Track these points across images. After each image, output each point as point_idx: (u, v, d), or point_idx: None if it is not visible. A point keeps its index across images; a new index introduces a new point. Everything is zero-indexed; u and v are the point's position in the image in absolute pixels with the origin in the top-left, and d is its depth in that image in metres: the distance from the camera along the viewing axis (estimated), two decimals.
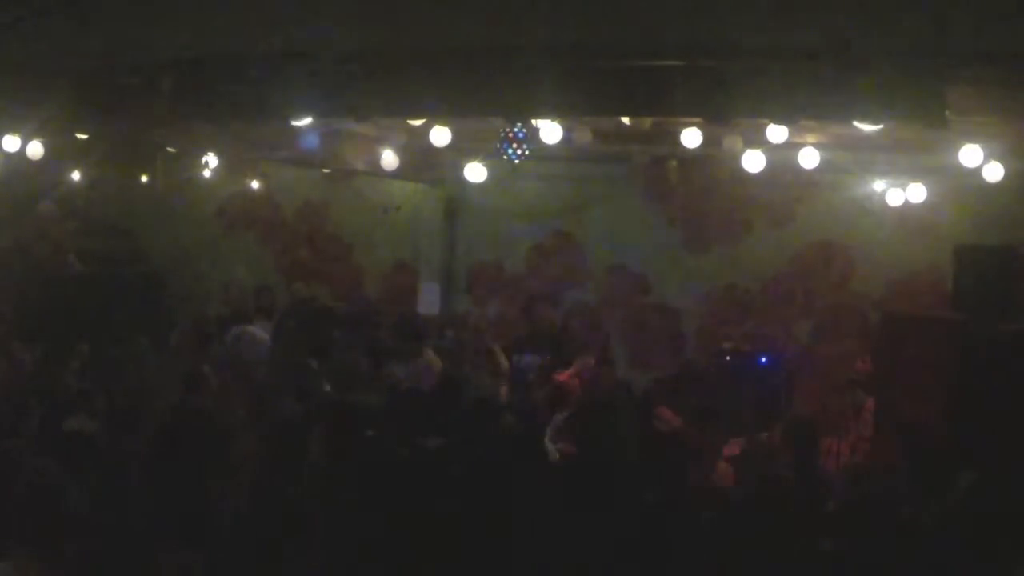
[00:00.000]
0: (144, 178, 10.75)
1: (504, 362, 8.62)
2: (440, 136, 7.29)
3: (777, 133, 6.77)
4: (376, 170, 9.44)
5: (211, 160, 10.46)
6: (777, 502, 4.87)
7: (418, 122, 7.45)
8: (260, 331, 9.25)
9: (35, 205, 11.31)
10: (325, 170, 11.04)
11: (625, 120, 7.21)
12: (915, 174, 9.18)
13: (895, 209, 9.56)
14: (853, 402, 8.43)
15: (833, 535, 4.79)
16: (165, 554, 4.27)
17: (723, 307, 10.84)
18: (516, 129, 7.05)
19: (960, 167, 7.26)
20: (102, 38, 6.27)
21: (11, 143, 7.94)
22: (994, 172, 7.68)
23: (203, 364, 7.51)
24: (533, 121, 6.92)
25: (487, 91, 6.10)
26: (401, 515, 4.88)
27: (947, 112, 5.58)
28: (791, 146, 7.56)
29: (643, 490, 4.98)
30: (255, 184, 11.86)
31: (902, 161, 8.88)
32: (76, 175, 10.94)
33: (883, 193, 9.52)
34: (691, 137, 7.35)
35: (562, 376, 8.02)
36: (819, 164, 8.02)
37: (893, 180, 9.36)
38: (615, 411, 5.93)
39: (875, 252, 10.31)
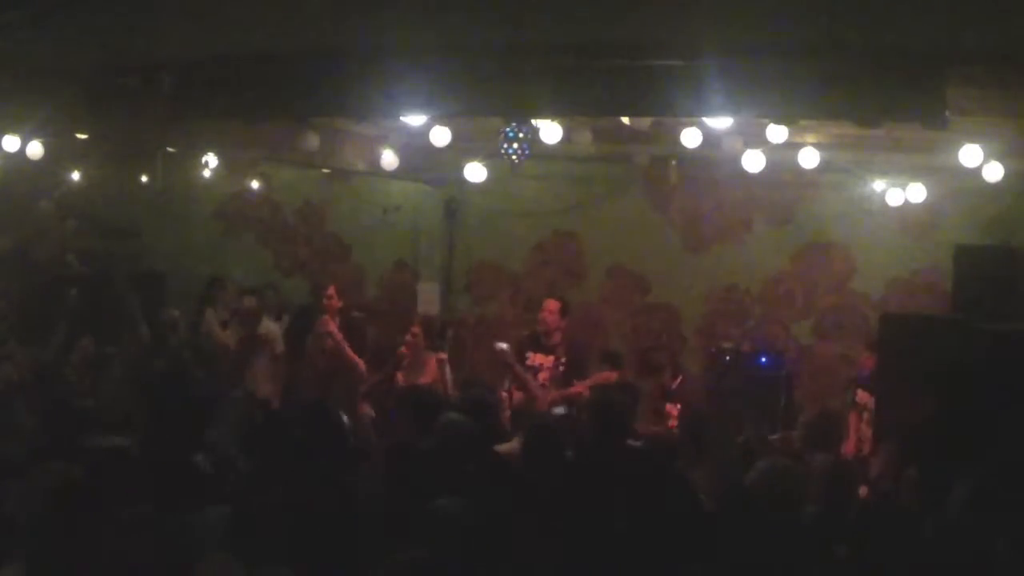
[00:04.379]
0: (144, 178, 10.75)
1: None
2: (440, 136, 7.29)
3: (777, 133, 6.77)
4: (376, 170, 9.44)
5: (211, 160, 10.46)
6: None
7: (418, 122, 7.45)
8: None
9: (35, 205, 11.31)
10: (325, 170, 11.04)
11: (625, 120, 7.20)
12: (915, 174, 9.18)
13: (895, 209, 9.56)
14: (853, 402, 8.44)
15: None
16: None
17: (723, 307, 10.85)
18: (516, 129, 7.04)
19: (960, 167, 7.27)
20: (102, 38, 6.27)
21: (11, 143, 7.94)
22: (994, 172, 7.69)
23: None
24: (533, 121, 6.91)
25: (487, 91, 6.10)
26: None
27: (947, 112, 5.58)
28: (791, 146, 7.56)
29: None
30: (255, 184, 11.87)
31: (902, 161, 8.88)
32: (76, 175, 10.94)
33: (883, 193, 9.52)
34: (691, 137, 7.35)
35: (578, 387, 8.03)
36: (819, 164, 8.02)
37: (893, 180, 9.36)
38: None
39: (875, 252, 10.31)
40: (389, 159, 8.94)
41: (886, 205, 9.56)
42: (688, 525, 4.61)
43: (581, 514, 4.79)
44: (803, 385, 10.12)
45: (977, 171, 7.55)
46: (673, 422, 7.76)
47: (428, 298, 11.38)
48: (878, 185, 9.51)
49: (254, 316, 9.07)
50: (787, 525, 4.72)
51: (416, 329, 8.64)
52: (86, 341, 8.70)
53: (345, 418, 5.83)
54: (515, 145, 7.07)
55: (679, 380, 8.38)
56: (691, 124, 7.28)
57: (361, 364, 8.42)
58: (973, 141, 7.02)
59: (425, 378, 8.37)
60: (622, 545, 4.43)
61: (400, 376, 8.59)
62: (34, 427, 6.29)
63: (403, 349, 8.69)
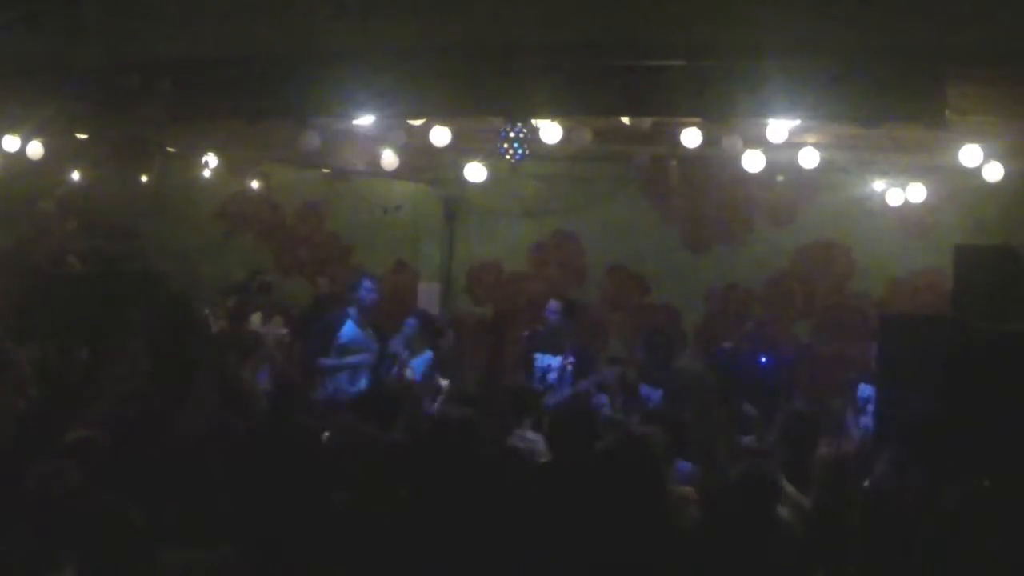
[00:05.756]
0: (144, 178, 10.75)
1: None
2: (440, 136, 7.29)
3: (777, 133, 6.77)
4: (376, 170, 9.45)
5: (211, 160, 10.46)
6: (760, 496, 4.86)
7: (418, 122, 7.45)
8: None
9: (35, 205, 11.31)
10: (325, 170, 11.05)
11: (625, 120, 7.20)
12: (915, 174, 9.18)
13: (895, 209, 9.57)
14: (854, 401, 8.44)
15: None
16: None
17: (723, 307, 10.85)
18: (516, 129, 7.04)
19: (960, 167, 7.27)
20: (102, 38, 6.26)
21: (11, 143, 7.94)
22: (994, 172, 7.69)
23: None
24: (533, 121, 6.92)
25: (487, 91, 6.10)
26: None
27: (947, 112, 5.58)
28: (791, 146, 7.56)
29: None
30: (255, 184, 11.87)
31: (902, 161, 8.88)
32: (76, 175, 10.94)
33: (883, 193, 9.52)
34: (691, 137, 7.35)
35: None
36: (819, 164, 8.02)
37: (893, 180, 9.36)
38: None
39: (875, 252, 10.32)
40: (389, 159, 8.94)
41: (886, 205, 9.56)
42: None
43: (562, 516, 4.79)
44: (803, 385, 10.11)
45: (977, 171, 7.56)
46: None
47: (428, 298, 11.39)
48: (878, 185, 9.51)
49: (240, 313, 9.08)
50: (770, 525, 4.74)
51: None
52: (84, 345, 8.68)
53: None
54: (515, 145, 7.07)
55: None
56: (691, 124, 7.28)
57: None
58: (973, 141, 7.02)
59: None
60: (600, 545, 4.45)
61: None
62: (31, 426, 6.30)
63: None
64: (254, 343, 9.06)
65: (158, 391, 6.71)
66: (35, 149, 8.43)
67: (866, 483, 5.91)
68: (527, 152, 7.16)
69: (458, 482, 4.93)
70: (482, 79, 6.03)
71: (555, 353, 8.36)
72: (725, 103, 5.80)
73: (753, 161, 7.87)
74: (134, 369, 7.90)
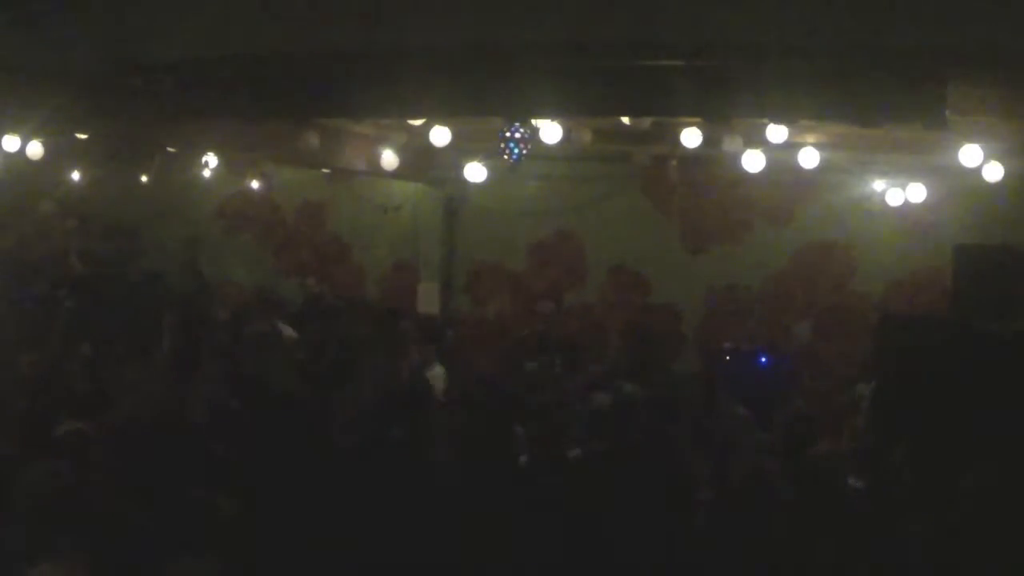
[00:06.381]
0: (144, 178, 10.75)
1: None
2: (440, 136, 7.30)
3: (777, 133, 6.78)
4: (376, 170, 9.45)
5: (211, 160, 10.46)
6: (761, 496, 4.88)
7: (418, 122, 7.46)
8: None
9: (35, 205, 11.31)
10: (325, 170, 11.05)
11: (625, 120, 7.21)
12: (915, 174, 9.18)
13: (895, 209, 9.56)
14: (854, 401, 8.44)
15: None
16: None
17: (723, 307, 10.85)
18: (515, 129, 7.05)
19: (960, 167, 7.27)
20: (102, 38, 6.27)
21: (11, 143, 7.94)
22: (994, 172, 7.69)
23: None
24: (533, 121, 6.92)
25: (487, 91, 6.10)
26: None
27: (947, 112, 5.58)
28: (791, 146, 7.56)
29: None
30: (255, 184, 11.87)
31: (902, 161, 8.89)
32: (76, 175, 10.95)
33: (883, 193, 9.52)
34: (691, 137, 7.36)
35: None
36: (819, 164, 8.02)
37: (893, 180, 9.36)
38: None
39: (875, 252, 10.31)
40: (389, 159, 8.95)
41: (886, 205, 9.56)
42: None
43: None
44: (803, 385, 10.12)
45: (977, 171, 7.56)
46: None
47: (428, 298, 11.39)
48: (878, 185, 9.51)
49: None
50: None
51: None
52: (85, 347, 8.67)
53: None
54: (511, 145, 7.07)
55: None
56: (691, 124, 7.29)
57: None
58: (973, 141, 7.03)
59: None
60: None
61: None
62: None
63: None
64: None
65: (175, 385, 6.72)
66: (35, 149, 8.44)
67: (862, 482, 5.94)
68: (525, 152, 7.17)
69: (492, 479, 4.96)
70: (482, 79, 6.03)
71: (542, 353, 8.41)
72: (725, 103, 5.81)
73: (753, 161, 7.87)
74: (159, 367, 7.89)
